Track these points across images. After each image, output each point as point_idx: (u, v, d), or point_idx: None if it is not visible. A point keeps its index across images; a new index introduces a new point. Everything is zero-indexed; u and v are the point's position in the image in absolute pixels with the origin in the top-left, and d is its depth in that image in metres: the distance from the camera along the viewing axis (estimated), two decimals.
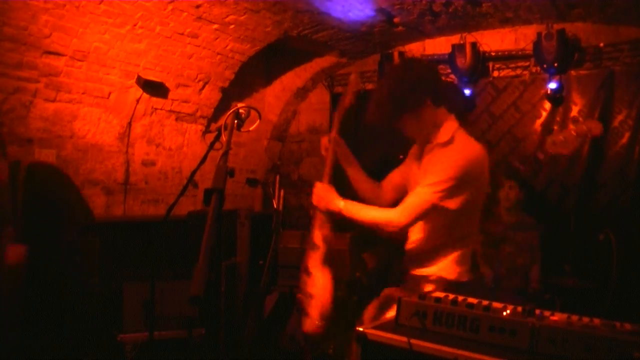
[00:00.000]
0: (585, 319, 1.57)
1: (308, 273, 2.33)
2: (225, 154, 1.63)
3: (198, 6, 4.05)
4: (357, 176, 2.54)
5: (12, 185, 2.48)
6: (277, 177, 5.16)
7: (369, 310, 2.33)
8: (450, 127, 2.23)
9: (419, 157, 2.36)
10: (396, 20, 4.74)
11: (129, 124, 4.59)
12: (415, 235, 2.36)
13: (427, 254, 2.29)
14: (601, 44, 4.49)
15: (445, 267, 2.25)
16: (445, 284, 2.21)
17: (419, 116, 2.19)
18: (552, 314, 1.61)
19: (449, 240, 2.24)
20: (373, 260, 4.34)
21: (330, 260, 2.32)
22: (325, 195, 2.34)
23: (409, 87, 2.12)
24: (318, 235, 2.35)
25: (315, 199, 2.37)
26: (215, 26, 4.38)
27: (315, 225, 2.38)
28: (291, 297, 4.06)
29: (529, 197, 4.15)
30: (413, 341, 1.56)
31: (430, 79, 2.19)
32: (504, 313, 1.60)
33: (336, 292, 2.31)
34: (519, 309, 1.64)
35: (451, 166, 2.12)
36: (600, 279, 3.64)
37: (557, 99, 4.57)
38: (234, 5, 4.14)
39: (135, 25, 4.01)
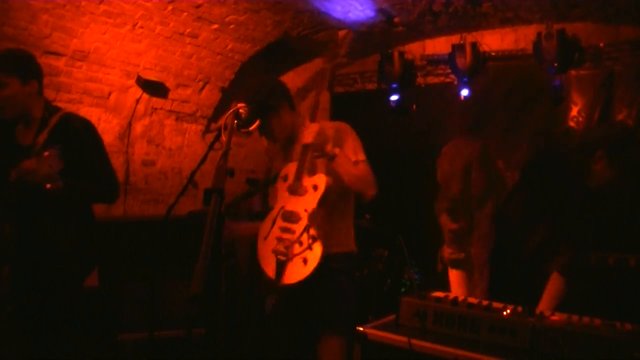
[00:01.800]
0: (586, 319, 1.57)
1: (297, 217, 2.26)
2: (225, 154, 1.63)
3: (198, 6, 4.05)
4: None
5: (41, 123, 2.54)
6: None
7: None
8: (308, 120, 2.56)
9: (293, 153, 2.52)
10: (396, 20, 4.74)
11: (129, 124, 4.59)
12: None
13: (331, 231, 2.36)
14: (601, 44, 4.49)
15: (344, 241, 2.40)
16: (347, 258, 2.39)
17: (281, 117, 2.49)
18: (552, 314, 1.61)
19: (345, 213, 2.40)
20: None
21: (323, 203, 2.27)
22: (323, 135, 2.30)
23: (268, 92, 2.47)
24: (309, 180, 2.31)
25: (313, 137, 2.27)
26: (215, 26, 4.38)
27: (305, 168, 2.33)
28: None
29: None
30: (413, 341, 1.56)
31: (284, 88, 2.58)
32: (504, 313, 1.60)
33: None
34: (519, 309, 1.64)
35: (353, 132, 2.44)
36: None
37: (557, 98, 4.57)
38: (234, 5, 4.15)
39: (135, 25, 4.01)
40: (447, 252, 2.26)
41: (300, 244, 2.21)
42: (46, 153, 2.39)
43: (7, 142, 2.57)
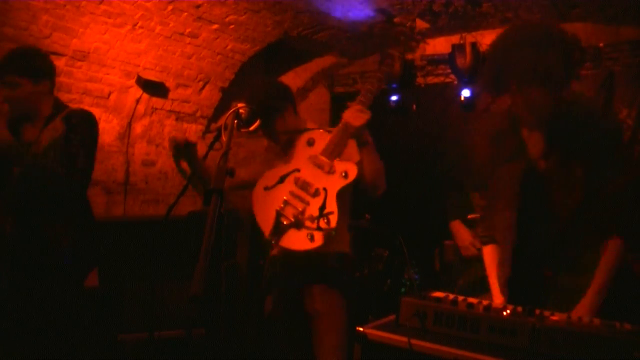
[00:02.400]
0: (585, 319, 1.57)
1: (315, 191, 2.22)
2: (226, 154, 1.63)
3: (198, 6, 4.05)
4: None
5: (47, 121, 2.55)
6: None
7: None
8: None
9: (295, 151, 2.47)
10: (396, 20, 4.74)
11: (129, 124, 4.59)
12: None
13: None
14: (601, 44, 4.49)
15: (343, 240, 2.39)
16: (345, 259, 2.39)
17: (285, 119, 2.52)
18: (552, 314, 1.61)
19: (344, 212, 2.31)
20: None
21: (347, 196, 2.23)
22: (366, 115, 2.23)
23: (275, 94, 2.52)
24: (341, 163, 2.24)
25: (365, 121, 2.21)
26: (216, 26, 4.38)
27: (339, 146, 2.25)
28: None
29: None
30: (413, 341, 1.56)
31: (289, 91, 2.61)
32: (504, 313, 1.60)
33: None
34: (519, 309, 1.64)
35: None
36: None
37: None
38: (234, 5, 4.15)
39: (135, 25, 4.01)
40: (479, 230, 2.21)
41: (312, 220, 2.17)
42: None
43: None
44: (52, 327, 2.53)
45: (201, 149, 5.34)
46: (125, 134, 4.58)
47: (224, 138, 1.73)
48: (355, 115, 2.23)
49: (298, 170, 2.30)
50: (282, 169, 2.34)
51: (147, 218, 4.46)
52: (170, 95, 4.77)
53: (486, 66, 2.05)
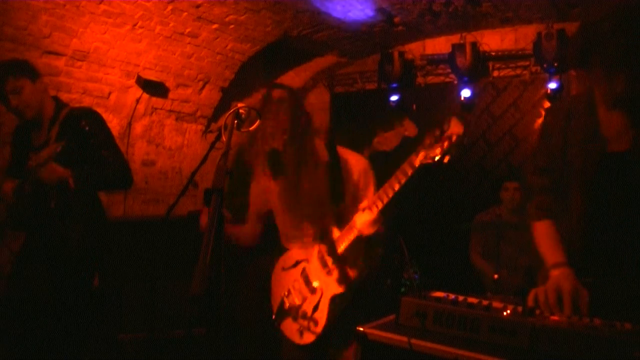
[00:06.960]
0: (586, 319, 1.56)
1: (312, 289, 2.23)
2: (226, 154, 1.63)
3: (198, 6, 4.05)
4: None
5: (52, 121, 2.65)
6: None
7: None
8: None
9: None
10: (396, 20, 4.74)
11: (129, 123, 4.59)
12: None
13: None
14: None
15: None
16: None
17: None
18: (552, 314, 1.61)
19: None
20: None
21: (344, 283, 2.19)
22: (377, 225, 2.12)
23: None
24: (339, 269, 2.18)
25: (375, 230, 2.11)
26: (215, 26, 4.38)
27: (340, 244, 2.17)
28: None
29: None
30: (413, 341, 1.56)
31: None
32: (504, 313, 1.60)
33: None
34: (519, 309, 1.64)
35: (372, 172, 2.33)
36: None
37: (557, 98, 4.57)
38: (234, 5, 4.14)
39: (135, 25, 4.01)
40: (529, 207, 2.07)
41: (304, 317, 2.23)
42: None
43: (24, 147, 2.67)
44: (53, 327, 2.53)
45: (201, 149, 5.33)
46: (125, 134, 4.58)
47: (224, 138, 1.73)
48: (367, 225, 2.09)
49: (307, 260, 2.29)
50: (299, 254, 2.33)
51: (147, 218, 4.46)
52: (170, 95, 4.76)
53: (576, 41, 1.90)
